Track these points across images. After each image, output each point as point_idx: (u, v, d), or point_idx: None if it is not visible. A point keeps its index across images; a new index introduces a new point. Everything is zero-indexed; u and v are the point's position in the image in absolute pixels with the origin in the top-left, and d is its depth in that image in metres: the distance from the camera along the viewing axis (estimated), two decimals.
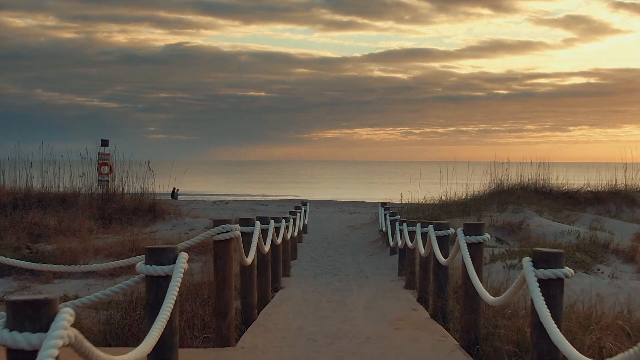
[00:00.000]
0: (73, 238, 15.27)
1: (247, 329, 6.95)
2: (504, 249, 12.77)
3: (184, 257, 3.77)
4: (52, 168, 20.10)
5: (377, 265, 13.65)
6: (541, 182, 21.97)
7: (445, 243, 7.35)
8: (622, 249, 13.98)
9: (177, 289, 3.60)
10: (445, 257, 7.08)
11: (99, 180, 21.01)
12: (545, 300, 3.55)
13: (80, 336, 2.23)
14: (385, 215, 15.97)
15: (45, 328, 2.20)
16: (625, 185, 22.36)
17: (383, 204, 19.09)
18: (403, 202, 21.71)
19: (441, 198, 19.90)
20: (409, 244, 9.99)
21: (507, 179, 21.53)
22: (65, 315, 2.24)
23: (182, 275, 3.68)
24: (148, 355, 3.27)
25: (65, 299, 9.98)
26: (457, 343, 6.00)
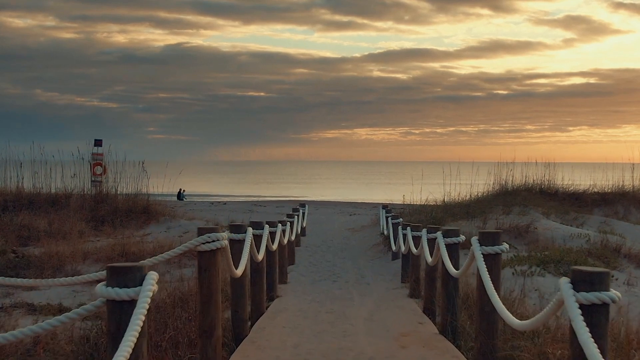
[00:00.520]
0: (63, 241, 14.74)
1: (237, 346, 6.32)
2: (512, 253, 12.14)
3: (152, 277, 3.13)
4: (44, 168, 19.53)
5: (379, 271, 12.99)
6: (546, 183, 21.39)
7: (455, 252, 6.69)
8: (635, 253, 13.37)
9: (143, 317, 2.97)
10: (455, 267, 6.45)
11: (92, 181, 20.39)
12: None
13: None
14: (387, 218, 15.31)
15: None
16: (633, 186, 21.74)
17: (384, 206, 18.42)
18: (404, 202, 21.05)
19: (444, 199, 19.27)
20: (414, 250, 9.35)
21: (512, 180, 20.97)
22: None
23: (149, 300, 3.05)
24: None
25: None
26: None
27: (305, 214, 18.85)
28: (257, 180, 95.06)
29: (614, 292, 3.16)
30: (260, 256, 7.63)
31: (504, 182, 20.79)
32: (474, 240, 5.09)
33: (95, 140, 21.99)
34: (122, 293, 3.07)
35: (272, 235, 9.38)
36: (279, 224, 9.90)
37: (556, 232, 15.05)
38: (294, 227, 13.68)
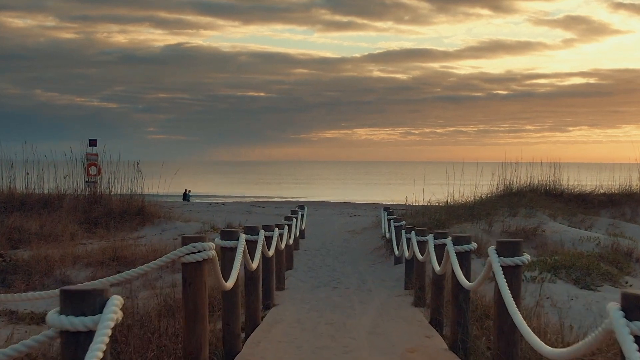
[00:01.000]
0: (54, 244, 14.25)
1: None
2: None
3: (114, 303, 2.58)
4: (37, 169, 19.03)
5: (381, 277, 12.42)
6: (551, 184, 20.88)
7: (467, 260, 6.12)
8: None
9: (101, 354, 2.42)
10: (466, 276, 5.89)
11: (86, 182, 19.85)
12: None
13: None
14: (389, 220, 14.75)
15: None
16: None
17: (386, 208, 17.86)
18: (406, 203, 20.49)
19: (447, 201, 18.72)
20: (420, 257, 8.79)
21: (517, 181, 20.45)
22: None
23: (109, 331, 2.50)
24: None
25: None
26: None
27: (304, 216, 18.27)
28: (257, 180, 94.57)
29: None
30: (255, 264, 7.08)
31: (508, 183, 20.30)
32: (492, 250, 4.52)
33: (90, 140, 21.41)
34: (78, 323, 2.53)
35: (269, 240, 8.83)
36: (276, 229, 9.34)
37: (565, 235, 14.53)
38: (292, 231, 13.12)
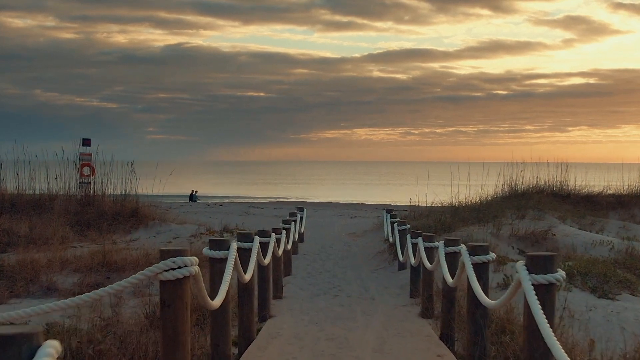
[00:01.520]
0: (44, 247, 13.64)
1: None
2: None
3: (48, 352, 1.93)
4: (28, 169, 18.44)
5: (384, 283, 11.75)
6: (558, 185, 20.26)
7: (485, 273, 5.46)
8: None
9: None
10: (484, 290, 5.24)
11: (79, 183, 19.22)
12: None
13: None
14: (392, 224, 14.08)
15: None
16: None
17: (388, 210, 17.20)
18: (410, 204, 19.83)
19: (451, 202, 18.05)
20: (428, 265, 8.12)
21: (522, 182, 19.82)
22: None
23: None
24: None
25: None
26: None
27: (304, 218, 17.61)
28: (256, 180, 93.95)
29: None
30: (248, 276, 6.42)
31: (514, 184, 19.67)
32: (521, 266, 3.85)
33: (83, 139, 20.75)
34: None
35: (265, 246, 8.19)
36: (273, 234, 8.68)
37: (576, 238, 13.88)
38: (290, 235, 12.46)
